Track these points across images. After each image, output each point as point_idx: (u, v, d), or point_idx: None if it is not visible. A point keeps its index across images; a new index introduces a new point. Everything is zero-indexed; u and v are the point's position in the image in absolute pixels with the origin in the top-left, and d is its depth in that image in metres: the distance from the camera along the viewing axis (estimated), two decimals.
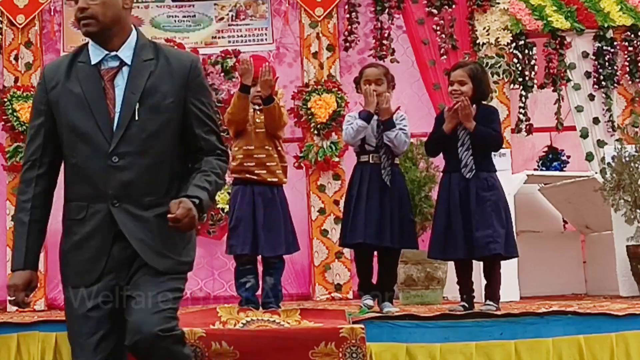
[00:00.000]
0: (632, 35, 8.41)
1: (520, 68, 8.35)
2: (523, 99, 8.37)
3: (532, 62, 8.36)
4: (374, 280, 5.69)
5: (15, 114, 7.98)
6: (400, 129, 5.56)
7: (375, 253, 5.69)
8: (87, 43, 3.38)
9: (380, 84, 5.63)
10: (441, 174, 5.78)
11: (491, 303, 5.42)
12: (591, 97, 8.39)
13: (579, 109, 8.35)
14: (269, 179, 5.64)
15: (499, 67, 8.28)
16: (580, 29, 8.41)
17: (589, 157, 8.29)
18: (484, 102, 5.72)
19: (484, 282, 5.60)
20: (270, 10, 8.64)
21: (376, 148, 5.58)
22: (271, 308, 5.40)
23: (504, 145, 7.92)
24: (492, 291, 5.50)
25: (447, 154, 5.62)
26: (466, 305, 5.47)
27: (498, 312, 5.20)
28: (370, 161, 5.58)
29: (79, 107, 3.28)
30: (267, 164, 5.65)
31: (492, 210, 5.42)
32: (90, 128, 3.26)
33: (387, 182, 5.50)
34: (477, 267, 5.66)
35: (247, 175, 5.61)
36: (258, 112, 5.72)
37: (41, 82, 3.39)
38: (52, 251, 8.24)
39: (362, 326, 4.79)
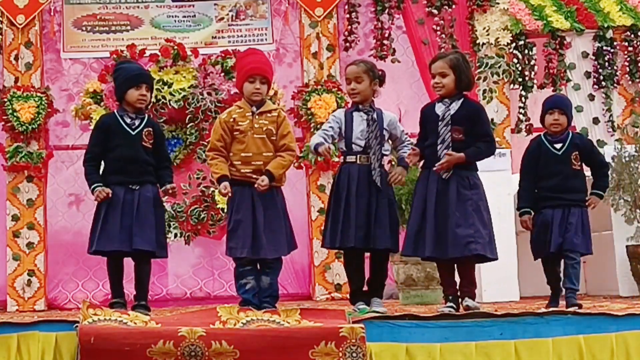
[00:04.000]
0: (632, 35, 8.42)
1: (520, 68, 8.36)
2: (523, 99, 8.38)
3: (532, 62, 8.37)
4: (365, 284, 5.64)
5: (15, 114, 7.99)
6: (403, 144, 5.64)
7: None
8: None
9: (360, 82, 5.51)
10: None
11: (471, 302, 5.31)
12: (591, 97, 8.40)
13: (579, 109, 8.35)
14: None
15: (499, 67, 8.29)
16: (580, 29, 8.42)
17: None
18: (466, 94, 5.52)
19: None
20: (270, 10, 8.65)
21: (364, 149, 5.48)
22: (267, 307, 5.39)
23: (503, 146, 7.99)
24: (469, 290, 5.39)
25: (428, 152, 5.44)
26: (454, 306, 5.37)
27: (498, 312, 5.20)
28: (358, 162, 5.49)
29: None
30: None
31: (473, 210, 5.30)
32: None
33: (378, 183, 5.43)
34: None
35: (245, 178, 5.56)
36: (257, 117, 5.61)
37: None
38: (52, 251, 8.27)
39: (362, 326, 4.79)
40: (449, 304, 5.39)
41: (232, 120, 5.59)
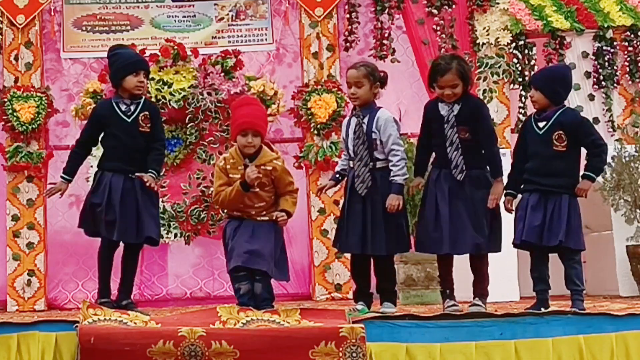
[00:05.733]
0: (632, 35, 8.42)
1: (520, 68, 8.36)
2: (523, 99, 8.37)
3: (532, 62, 8.37)
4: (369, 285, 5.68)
5: (15, 114, 7.98)
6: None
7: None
8: None
9: (360, 86, 5.47)
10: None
11: (479, 303, 5.38)
12: (591, 97, 8.40)
13: (579, 109, 8.33)
14: (258, 220, 5.55)
15: (499, 67, 8.29)
16: (580, 29, 8.41)
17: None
18: (469, 93, 5.55)
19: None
20: (270, 11, 8.64)
21: (355, 154, 5.50)
22: (266, 308, 5.39)
23: (503, 145, 8.00)
24: (481, 287, 5.46)
25: (436, 151, 5.49)
26: (457, 305, 5.42)
27: (497, 312, 5.20)
28: (354, 167, 5.51)
29: None
30: (259, 217, 5.53)
31: (484, 209, 5.35)
32: None
33: (361, 192, 5.40)
34: (465, 264, 5.62)
35: (242, 214, 5.56)
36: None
37: None
38: (52, 251, 8.26)
39: (362, 326, 4.80)
40: (450, 302, 5.42)
41: (226, 169, 5.57)
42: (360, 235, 5.40)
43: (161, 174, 6.02)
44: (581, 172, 5.53)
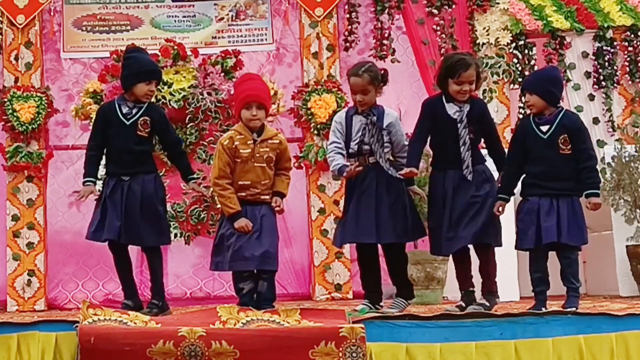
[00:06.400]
0: (632, 35, 8.42)
1: (520, 68, 8.35)
2: (523, 98, 8.36)
3: (532, 62, 8.36)
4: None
5: (15, 114, 7.98)
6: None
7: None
8: None
9: (366, 93, 5.51)
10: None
11: (483, 302, 5.41)
12: (591, 97, 8.40)
13: (579, 109, 8.34)
14: (262, 198, 5.60)
15: (499, 67, 8.29)
16: (580, 29, 8.41)
17: None
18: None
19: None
20: (270, 11, 8.64)
21: (369, 151, 5.52)
22: (267, 307, 5.40)
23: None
24: (489, 285, 5.50)
25: (441, 150, 5.53)
26: (463, 305, 5.43)
27: (497, 312, 5.21)
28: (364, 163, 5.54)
29: None
30: (262, 196, 5.59)
31: (492, 201, 5.43)
32: None
33: (365, 187, 5.47)
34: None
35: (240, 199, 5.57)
36: (259, 145, 5.60)
37: None
38: (52, 251, 8.26)
39: (362, 326, 4.80)
40: (458, 302, 5.48)
41: (234, 146, 5.57)
42: (374, 227, 5.43)
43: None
44: None
